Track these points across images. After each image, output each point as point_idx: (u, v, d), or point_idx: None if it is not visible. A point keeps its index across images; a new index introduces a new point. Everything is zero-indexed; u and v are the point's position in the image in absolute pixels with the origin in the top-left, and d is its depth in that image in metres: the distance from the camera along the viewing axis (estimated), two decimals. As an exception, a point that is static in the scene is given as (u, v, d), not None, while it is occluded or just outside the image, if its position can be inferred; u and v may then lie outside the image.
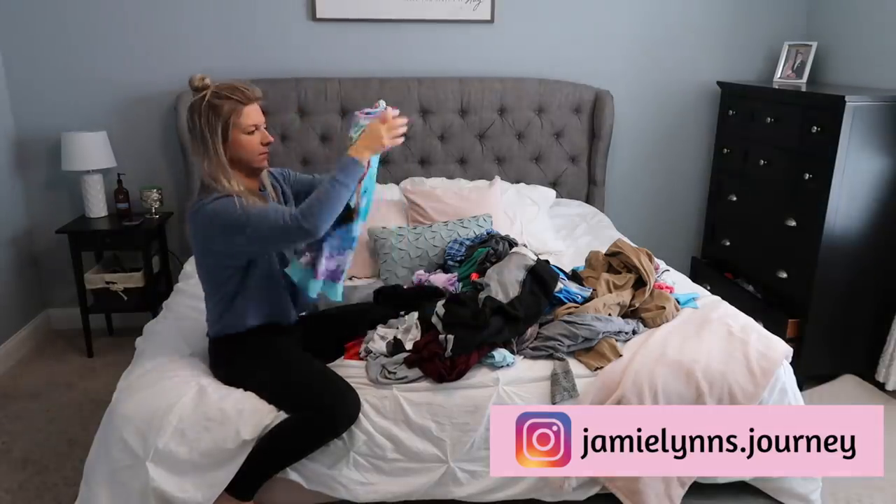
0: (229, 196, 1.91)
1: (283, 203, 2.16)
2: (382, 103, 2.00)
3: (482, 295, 2.27)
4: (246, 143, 1.96)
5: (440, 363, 2.02)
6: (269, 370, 2.03)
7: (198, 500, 1.91)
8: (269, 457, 1.94)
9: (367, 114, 1.98)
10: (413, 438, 2.00)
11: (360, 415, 1.98)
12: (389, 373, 2.05)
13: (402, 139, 2.00)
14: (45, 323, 3.68)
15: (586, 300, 2.33)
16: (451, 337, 2.07)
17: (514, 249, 2.53)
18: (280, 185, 2.21)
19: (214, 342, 2.12)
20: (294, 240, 1.92)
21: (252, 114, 1.96)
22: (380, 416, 2.00)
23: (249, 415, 1.94)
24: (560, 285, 2.36)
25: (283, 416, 1.96)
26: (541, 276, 2.33)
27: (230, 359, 2.09)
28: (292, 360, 2.06)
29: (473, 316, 2.13)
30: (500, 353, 2.08)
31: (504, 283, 2.30)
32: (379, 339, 2.19)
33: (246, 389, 2.02)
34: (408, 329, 2.21)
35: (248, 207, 1.89)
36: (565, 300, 2.33)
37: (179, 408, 1.92)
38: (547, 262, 2.52)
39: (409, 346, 2.13)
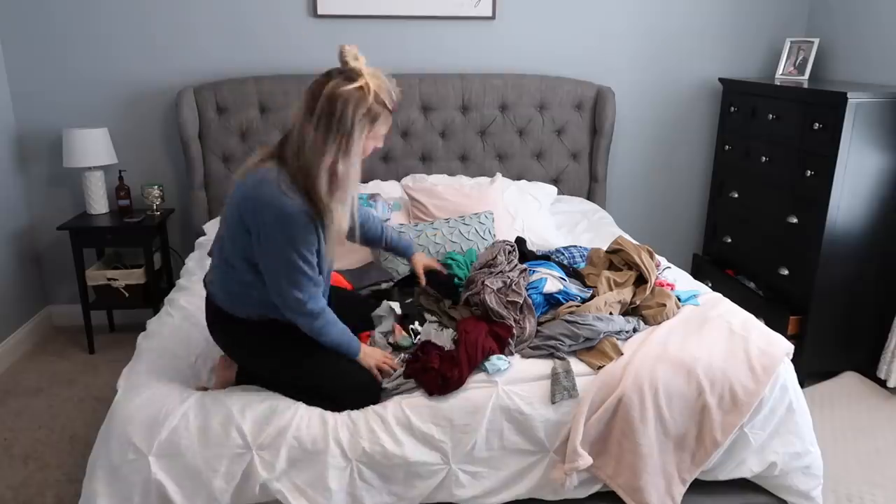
0: (312, 219, 1.74)
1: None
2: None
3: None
4: (367, 149, 1.81)
5: (434, 374, 2.01)
6: (283, 357, 1.98)
7: (199, 495, 1.91)
8: None
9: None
10: (414, 441, 1.99)
11: (362, 416, 1.97)
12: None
13: (379, 375, 2.02)
14: (46, 319, 3.68)
15: (585, 300, 2.33)
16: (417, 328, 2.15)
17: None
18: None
19: (218, 314, 1.98)
20: (286, 313, 1.85)
21: (389, 123, 1.84)
22: (380, 419, 1.99)
23: (253, 409, 1.94)
24: (560, 286, 2.37)
25: (284, 408, 1.96)
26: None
27: (239, 341, 2.00)
28: (304, 347, 1.99)
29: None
30: (493, 365, 2.06)
31: None
32: (380, 336, 2.20)
33: (259, 372, 2.02)
34: (385, 332, 2.23)
35: (306, 253, 1.76)
36: (564, 301, 2.33)
37: (182, 403, 1.92)
38: (523, 240, 2.72)
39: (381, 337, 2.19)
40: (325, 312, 1.90)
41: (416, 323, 2.22)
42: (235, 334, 1.98)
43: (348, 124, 1.70)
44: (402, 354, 2.14)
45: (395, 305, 2.31)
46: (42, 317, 3.64)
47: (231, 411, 1.93)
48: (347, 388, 1.97)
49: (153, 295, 3.39)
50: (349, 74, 1.72)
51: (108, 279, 3.34)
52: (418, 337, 2.16)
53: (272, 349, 1.98)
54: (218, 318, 1.99)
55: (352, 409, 1.97)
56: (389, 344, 2.18)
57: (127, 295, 3.37)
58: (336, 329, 1.95)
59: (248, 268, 1.87)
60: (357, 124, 1.71)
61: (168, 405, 1.92)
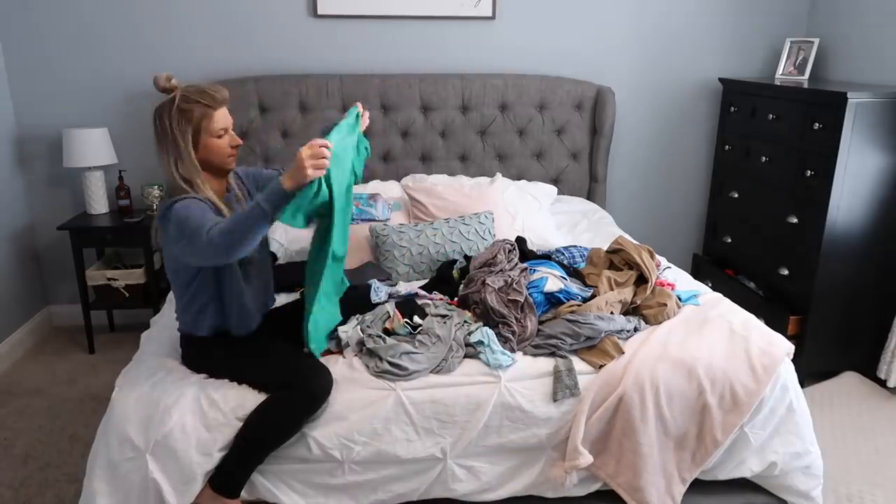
0: (197, 199, 1.91)
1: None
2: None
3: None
4: (215, 147, 1.99)
5: None
6: (238, 359, 2.03)
7: (197, 493, 1.92)
8: (249, 445, 1.91)
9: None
10: (413, 436, 2.00)
11: (359, 411, 1.97)
12: (393, 365, 2.03)
13: (322, 171, 1.88)
14: (46, 319, 3.68)
15: (586, 300, 2.33)
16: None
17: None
18: (246, 186, 2.20)
19: (182, 338, 2.12)
20: (206, 258, 1.80)
21: (221, 118, 1.99)
22: (379, 414, 1.98)
23: (250, 408, 1.94)
24: (561, 285, 2.37)
25: None
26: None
27: (197, 356, 2.09)
28: (259, 346, 2.06)
29: None
30: (496, 359, 2.06)
31: None
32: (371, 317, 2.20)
33: (228, 379, 2.03)
34: (383, 318, 2.22)
35: (209, 216, 1.85)
36: (565, 300, 2.33)
37: (180, 401, 1.92)
38: (523, 239, 2.76)
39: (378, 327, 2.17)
40: (217, 234, 1.78)
41: (416, 317, 2.21)
42: (203, 353, 2.08)
43: (168, 128, 1.93)
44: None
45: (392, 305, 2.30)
46: (42, 317, 3.64)
47: (228, 406, 1.94)
48: (308, 369, 1.97)
49: (153, 295, 3.38)
50: (164, 91, 1.95)
51: (108, 279, 3.34)
52: (419, 329, 2.16)
53: (208, 362, 2.06)
54: (190, 346, 2.10)
55: (319, 394, 1.94)
56: (385, 329, 2.17)
57: (127, 295, 3.37)
58: (241, 219, 1.77)
59: (175, 289, 2.03)
60: (172, 123, 1.93)
61: (166, 402, 1.92)
